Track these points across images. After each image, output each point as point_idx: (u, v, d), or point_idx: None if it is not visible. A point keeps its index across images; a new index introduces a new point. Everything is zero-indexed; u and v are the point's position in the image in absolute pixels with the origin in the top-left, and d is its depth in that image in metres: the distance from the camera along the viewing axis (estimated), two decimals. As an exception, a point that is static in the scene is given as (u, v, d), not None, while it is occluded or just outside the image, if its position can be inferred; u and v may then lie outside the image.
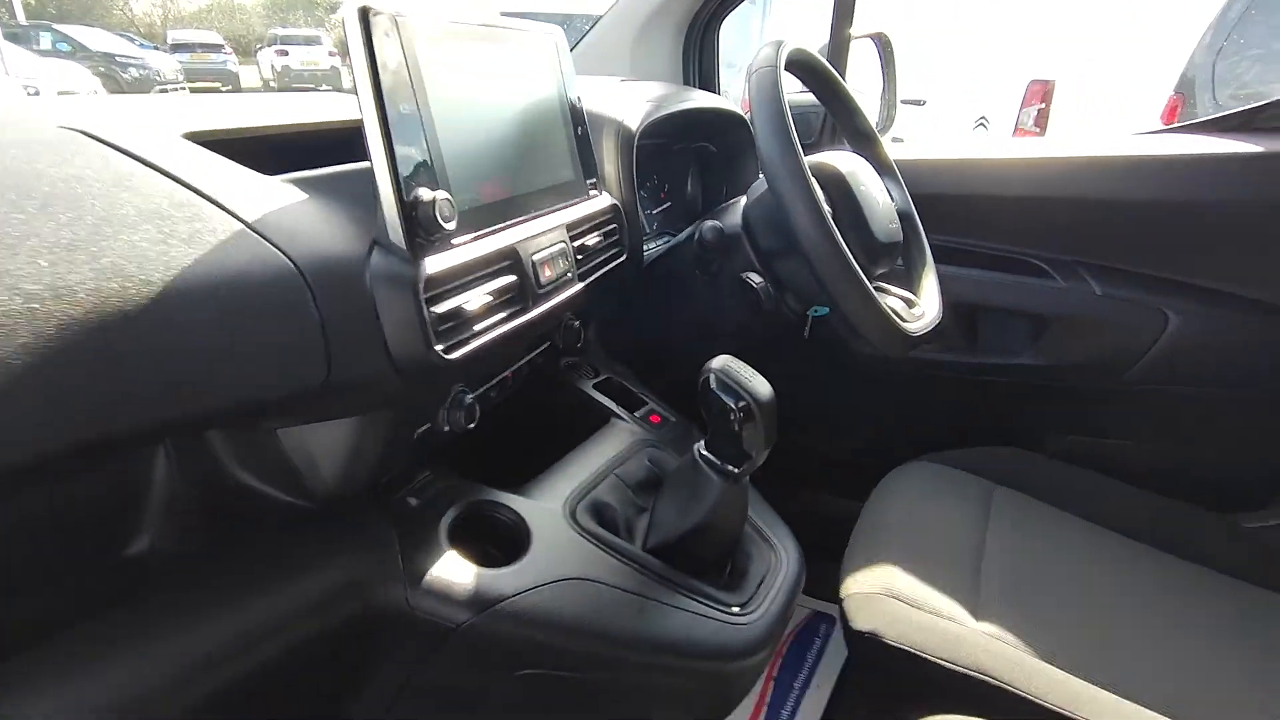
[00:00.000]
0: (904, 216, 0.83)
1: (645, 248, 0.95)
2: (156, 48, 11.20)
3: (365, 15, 0.45)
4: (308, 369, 0.42)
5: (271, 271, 0.42)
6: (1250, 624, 0.72)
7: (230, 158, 0.49)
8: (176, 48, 11.45)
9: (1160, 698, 0.61)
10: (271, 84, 11.96)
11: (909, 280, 0.82)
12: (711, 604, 0.59)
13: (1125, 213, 0.96)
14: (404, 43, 0.48)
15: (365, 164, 0.46)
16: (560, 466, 0.66)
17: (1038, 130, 3.40)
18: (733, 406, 0.54)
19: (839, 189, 0.74)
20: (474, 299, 0.50)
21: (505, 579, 0.53)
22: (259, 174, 0.48)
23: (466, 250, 0.50)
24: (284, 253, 0.43)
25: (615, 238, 0.73)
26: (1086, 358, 1.01)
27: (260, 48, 13.02)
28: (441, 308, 0.47)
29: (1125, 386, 1.01)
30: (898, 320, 0.68)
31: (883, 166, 0.85)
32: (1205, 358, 0.96)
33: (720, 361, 0.56)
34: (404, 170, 0.46)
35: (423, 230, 0.46)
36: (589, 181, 0.70)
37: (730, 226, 0.79)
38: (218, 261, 0.40)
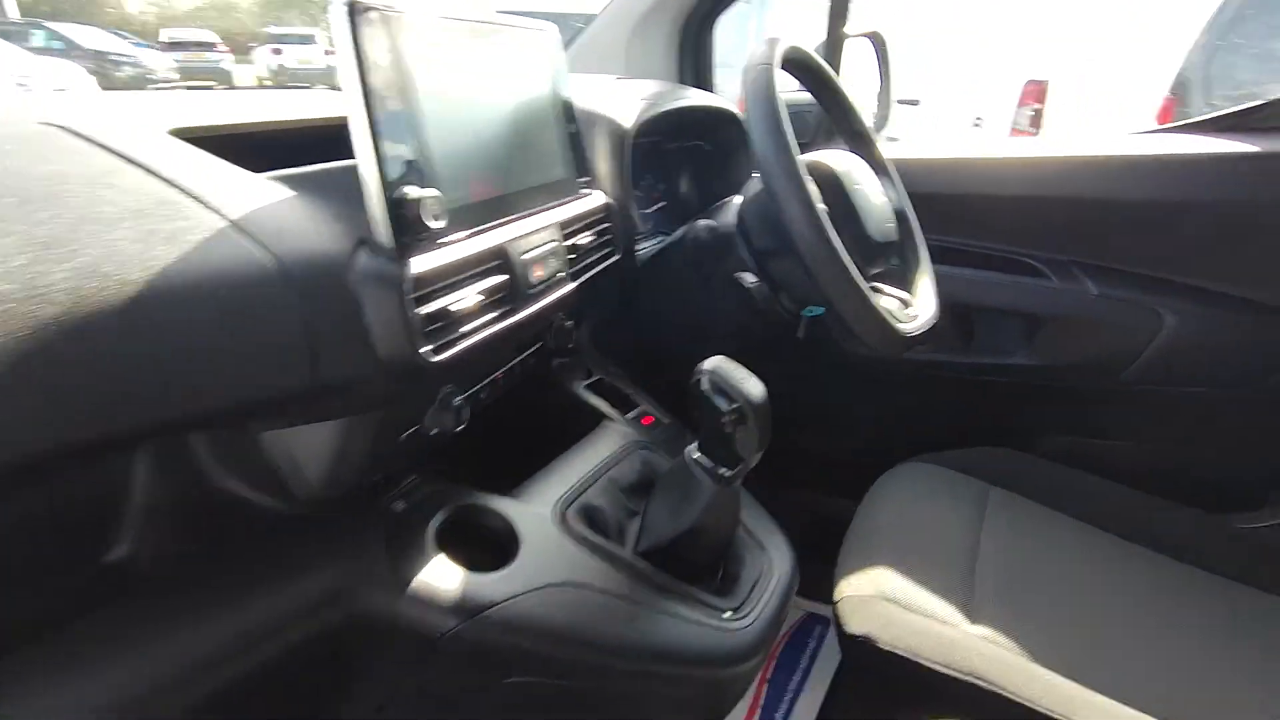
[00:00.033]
0: (900, 216, 0.82)
1: (639, 247, 0.94)
2: (150, 46, 11.15)
3: (352, 10, 0.44)
4: (291, 370, 0.41)
5: (255, 270, 0.41)
6: (1245, 625, 0.71)
7: (217, 155, 0.48)
8: (170, 46, 11.39)
9: (1156, 701, 0.61)
10: (267, 83, 11.90)
11: (905, 280, 0.81)
12: (703, 609, 0.58)
13: (1121, 212, 0.96)
14: (392, 38, 0.47)
15: (354, 161, 0.45)
16: (551, 469, 0.65)
17: (1033, 131, 3.40)
18: (725, 409, 0.53)
19: (834, 188, 0.73)
20: (462, 299, 0.49)
21: (493, 585, 0.52)
22: (245, 171, 0.48)
23: (455, 249, 0.50)
24: (268, 251, 0.42)
25: (608, 237, 0.72)
26: (1082, 358, 1.01)
27: (255, 46, 12.96)
28: (429, 308, 0.46)
29: (1121, 387, 1.00)
30: (893, 321, 0.68)
31: (878, 166, 0.85)
32: (1201, 358, 0.96)
33: (713, 363, 0.55)
34: (391, 168, 0.46)
35: (410, 229, 0.46)
36: (581, 180, 0.70)
37: (724, 225, 0.79)
38: (199, 260, 0.39)
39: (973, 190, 1.04)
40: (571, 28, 1.34)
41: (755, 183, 0.78)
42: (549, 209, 0.63)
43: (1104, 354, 0.99)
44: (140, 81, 9.47)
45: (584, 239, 0.67)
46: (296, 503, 0.50)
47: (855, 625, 0.68)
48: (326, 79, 11.70)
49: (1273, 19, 1.99)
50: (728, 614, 0.59)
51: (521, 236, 0.57)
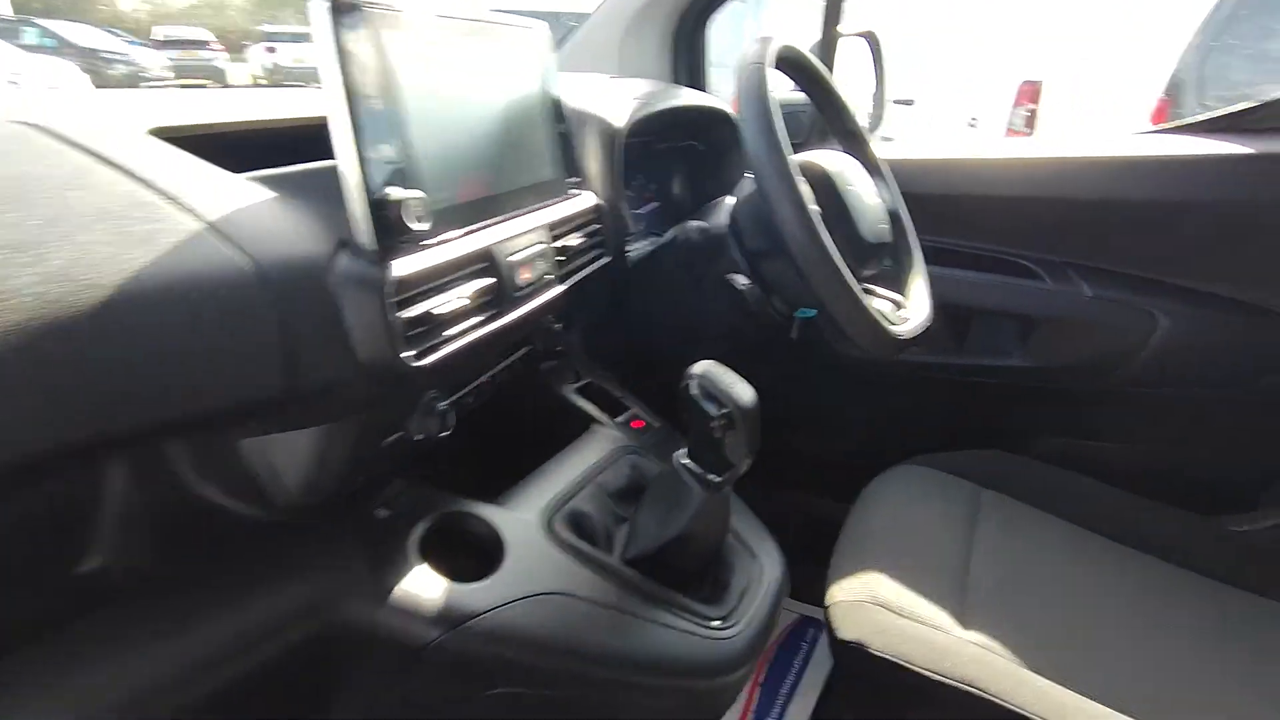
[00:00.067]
0: (893, 217, 0.82)
1: (631, 248, 0.94)
2: (143, 44, 11.08)
3: (333, 5, 0.43)
4: (268, 375, 0.41)
5: (230, 273, 0.40)
6: (1236, 628, 0.71)
7: (197, 154, 0.47)
8: (163, 44, 11.32)
9: (1147, 706, 0.61)
10: (261, 81, 11.85)
11: (898, 282, 0.81)
12: (691, 618, 0.57)
13: (1114, 213, 0.96)
14: (374, 36, 0.46)
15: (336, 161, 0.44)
16: (538, 475, 0.64)
17: (1028, 131, 3.41)
18: (714, 414, 0.52)
19: (827, 189, 0.73)
20: (447, 302, 0.48)
21: (477, 594, 0.51)
22: (225, 172, 0.47)
23: (440, 251, 0.49)
24: (245, 253, 0.41)
25: (598, 238, 0.71)
26: (1076, 359, 1.00)
27: (249, 45, 12.90)
28: (411, 312, 0.45)
29: (1114, 388, 1.00)
30: (885, 323, 0.67)
31: (872, 166, 0.84)
32: (1194, 359, 0.96)
33: (702, 367, 0.54)
34: (374, 168, 0.45)
35: (392, 231, 0.45)
36: (571, 180, 0.69)
37: (716, 227, 0.78)
38: (173, 263, 0.38)
39: (967, 191, 1.04)
40: (565, 26, 1.34)
41: (748, 183, 0.77)
42: (537, 210, 0.62)
43: (1098, 355, 0.99)
44: (133, 79, 9.41)
45: (573, 240, 0.66)
46: (276, 510, 0.49)
47: (847, 631, 0.68)
48: (322, 77, 11.59)
49: (1267, 20, 1.99)
50: (716, 623, 0.58)
51: (509, 238, 0.56)
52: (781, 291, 0.76)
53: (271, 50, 11.87)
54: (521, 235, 0.58)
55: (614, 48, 1.21)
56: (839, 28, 1.17)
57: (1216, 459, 1.00)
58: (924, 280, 0.81)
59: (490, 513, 0.57)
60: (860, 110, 1.31)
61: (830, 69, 1.15)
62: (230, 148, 0.50)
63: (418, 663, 0.48)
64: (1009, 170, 1.01)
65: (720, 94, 1.21)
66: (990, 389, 1.07)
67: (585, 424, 0.74)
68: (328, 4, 0.43)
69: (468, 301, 0.50)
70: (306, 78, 11.68)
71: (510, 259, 0.55)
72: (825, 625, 0.70)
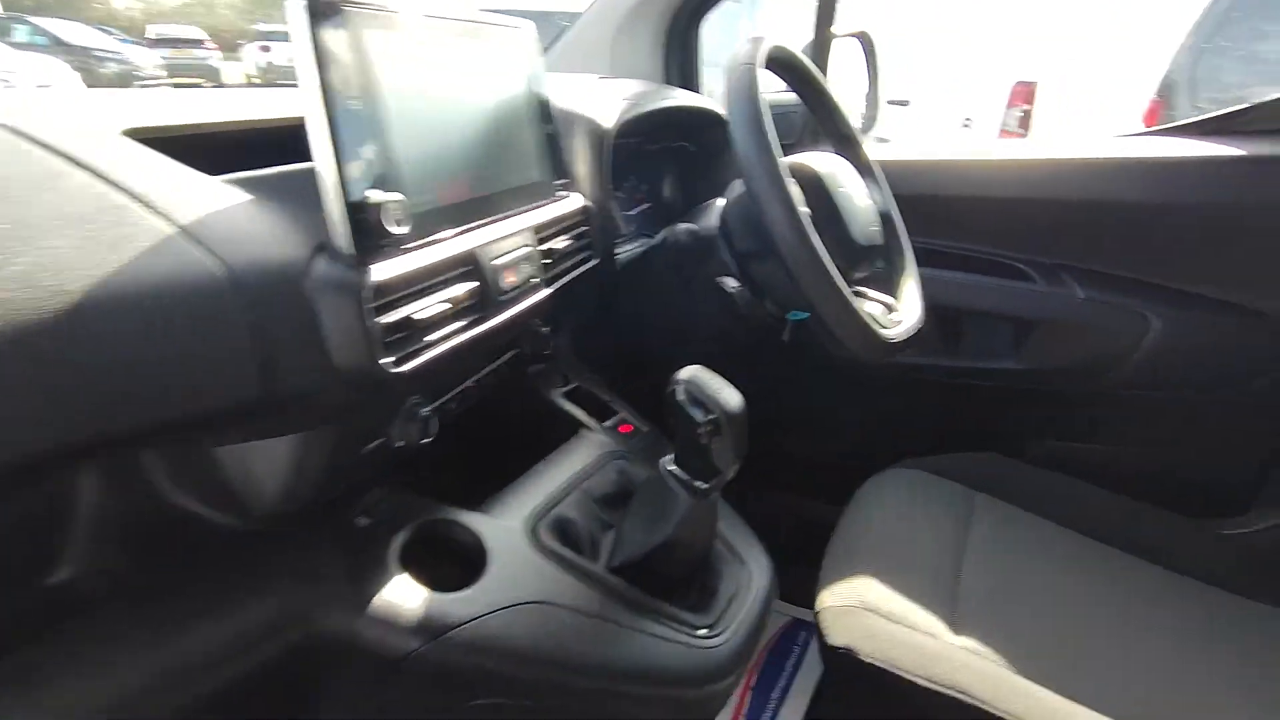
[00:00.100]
0: (885, 219, 0.81)
1: (622, 250, 0.93)
2: (137, 42, 11.02)
3: (310, 5, 0.42)
4: (240, 382, 0.40)
5: (203, 278, 0.39)
6: (1228, 632, 0.71)
7: (173, 156, 0.46)
8: (157, 42, 11.27)
9: (1139, 711, 0.61)
10: (256, 80, 11.79)
11: (890, 284, 0.80)
12: (677, 626, 0.57)
13: (1107, 215, 0.96)
14: (354, 35, 0.45)
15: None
16: (523, 481, 0.63)
17: (1022, 132, 3.41)
18: (700, 420, 0.52)
19: (817, 190, 0.72)
20: (428, 307, 0.47)
21: (459, 604, 0.50)
22: (200, 174, 0.46)
23: (421, 255, 0.48)
24: (218, 258, 0.40)
25: (586, 241, 0.71)
26: (1069, 362, 1.00)
27: (243, 43, 12.83)
28: (390, 317, 0.44)
29: (1107, 391, 1.00)
30: (876, 326, 0.67)
31: (864, 167, 0.84)
32: (1186, 361, 0.96)
33: (689, 372, 0.54)
34: (352, 170, 0.44)
35: (371, 234, 0.44)
36: (559, 182, 0.68)
37: (705, 229, 0.77)
38: (143, 268, 0.37)
39: (959, 192, 1.03)
40: (557, 26, 1.33)
41: (738, 185, 0.76)
42: (523, 212, 0.61)
43: (1090, 358, 0.99)
44: (126, 78, 9.35)
45: (560, 243, 0.65)
46: (253, 519, 0.48)
47: (836, 636, 0.67)
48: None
49: (1258, 22, 2.00)
50: (702, 631, 0.58)
51: (493, 241, 0.55)
52: (772, 294, 0.76)
53: (266, 49, 11.81)
54: (506, 238, 0.57)
55: (606, 47, 1.20)
56: (832, 28, 1.17)
57: (1208, 461, 1.00)
58: (916, 282, 0.80)
59: (473, 520, 0.56)
60: (854, 111, 1.31)
61: (824, 70, 1.14)
62: (208, 149, 0.49)
63: (397, 674, 0.47)
64: (1001, 172, 1.01)
65: (713, 94, 1.20)
66: (983, 391, 1.07)
67: (573, 429, 0.73)
68: (304, 3, 0.42)
69: (449, 306, 0.49)
70: (301, 76, 11.60)
71: (494, 262, 0.55)
72: (815, 630, 0.69)
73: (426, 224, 0.50)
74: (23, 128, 0.42)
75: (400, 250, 0.46)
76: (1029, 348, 1.01)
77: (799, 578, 0.77)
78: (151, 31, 11.86)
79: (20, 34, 8.93)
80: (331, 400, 0.44)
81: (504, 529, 0.57)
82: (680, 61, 1.24)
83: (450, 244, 0.51)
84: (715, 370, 0.56)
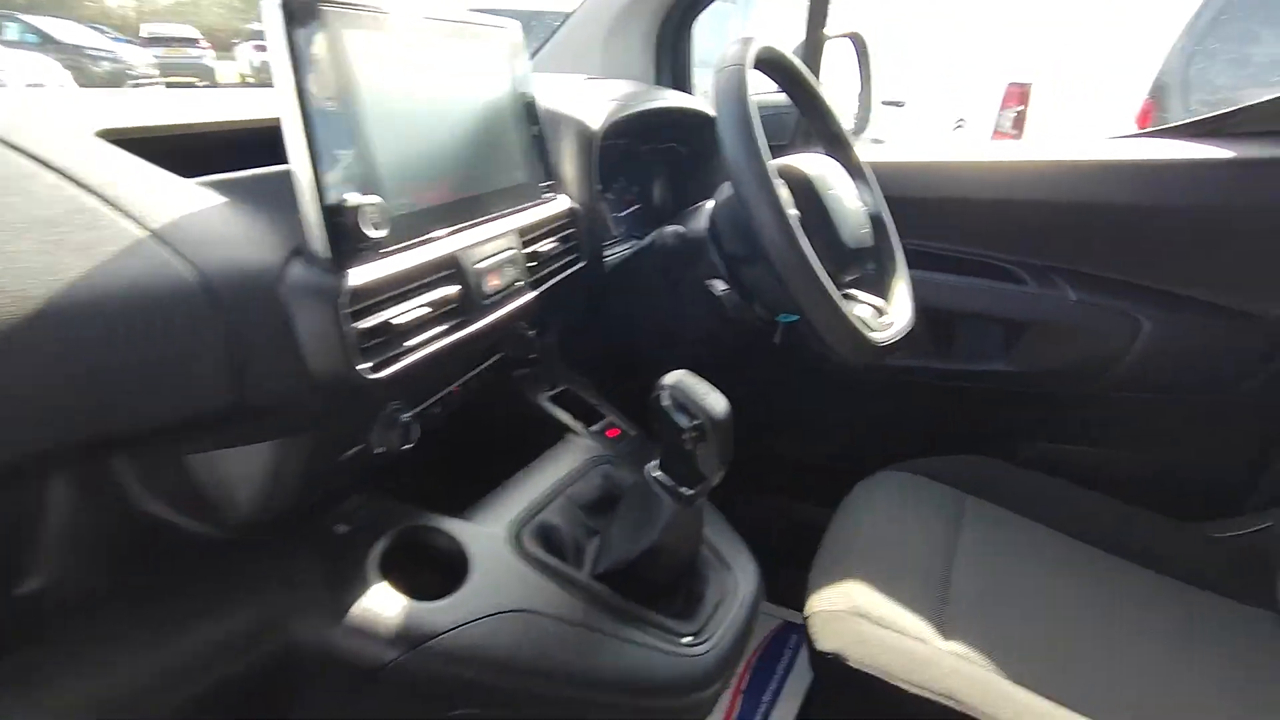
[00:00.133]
0: (876, 221, 0.81)
1: (612, 252, 0.92)
2: (130, 41, 10.96)
3: (285, 4, 0.42)
4: (211, 390, 0.39)
5: (173, 283, 0.38)
6: (1218, 635, 0.71)
7: (147, 158, 0.45)
8: (150, 41, 11.20)
9: (1129, 715, 0.61)
10: (250, 80, 11.74)
11: (880, 286, 0.80)
12: (661, 635, 0.56)
13: (1099, 217, 0.96)
14: (331, 34, 0.45)
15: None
16: (507, 487, 0.62)
17: (1016, 133, 3.42)
18: (685, 426, 0.51)
19: (807, 193, 0.72)
20: (407, 312, 0.47)
21: (439, 613, 0.49)
22: (175, 176, 0.45)
23: (400, 259, 0.47)
24: (190, 262, 0.39)
25: (573, 243, 0.70)
26: (1060, 364, 1.00)
27: (238, 43, 12.78)
28: (368, 322, 0.44)
29: (1099, 393, 1.00)
30: (865, 330, 0.66)
31: (854, 169, 0.83)
32: (1177, 363, 0.96)
33: (674, 377, 0.53)
34: (330, 173, 0.43)
35: (348, 238, 0.43)
36: (544, 184, 0.67)
37: (694, 231, 0.76)
38: (111, 273, 0.36)
39: (952, 194, 1.03)
40: (548, 26, 1.32)
41: (727, 187, 0.76)
42: (507, 215, 0.60)
43: (1081, 360, 0.99)
44: (119, 77, 9.29)
45: (546, 246, 0.64)
46: (229, 527, 0.48)
47: (825, 642, 0.67)
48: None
49: (1249, 25, 2.00)
50: (687, 639, 0.57)
51: (475, 244, 0.54)
52: (761, 297, 0.75)
53: (261, 48, 11.72)
54: (490, 241, 0.56)
55: (597, 47, 1.19)
56: (824, 29, 1.16)
57: (1198, 463, 1.00)
58: (906, 285, 0.80)
59: (455, 527, 0.55)
60: (848, 112, 1.31)
61: (816, 71, 1.14)
62: (184, 151, 0.48)
63: (374, 684, 0.47)
64: (993, 174, 1.01)
65: (706, 95, 1.20)
66: (974, 394, 1.06)
67: (559, 433, 0.72)
68: (279, 3, 0.41)
69: (429, 310, 0.48)
70: (296, 76, 11.54)
71: (477, 266, 0.54)
72: (805, 635, 0.69)
73: (406, 227, 0.49)
74: None
75: (378, 254, 0.46)
76: (1020, 350, 1.01)
77: (791, 580, 0.76)
78: (145, 30, 11.79)
79: (11, 31, 8.86)
80: (307, 407, 0.43)
81: (487, 536, 0.56)
82: (672, 62, 1.23)
83: (431, 247, 0.50)
84: (705, 373, 0.55)
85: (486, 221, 0.57)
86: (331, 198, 0.43)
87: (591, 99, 0.82)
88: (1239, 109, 0.94)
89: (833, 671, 0.66)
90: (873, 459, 0.92)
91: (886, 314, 0.75)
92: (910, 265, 0.82)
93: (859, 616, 0.68)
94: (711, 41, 1.37)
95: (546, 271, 0.65)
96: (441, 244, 0.51)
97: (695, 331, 0.80)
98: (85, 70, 8.71)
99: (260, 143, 0.51)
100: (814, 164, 0.75)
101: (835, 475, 0.92)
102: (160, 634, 0.44)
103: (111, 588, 0.45)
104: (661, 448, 0.56)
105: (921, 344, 1.05)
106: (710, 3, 1.21)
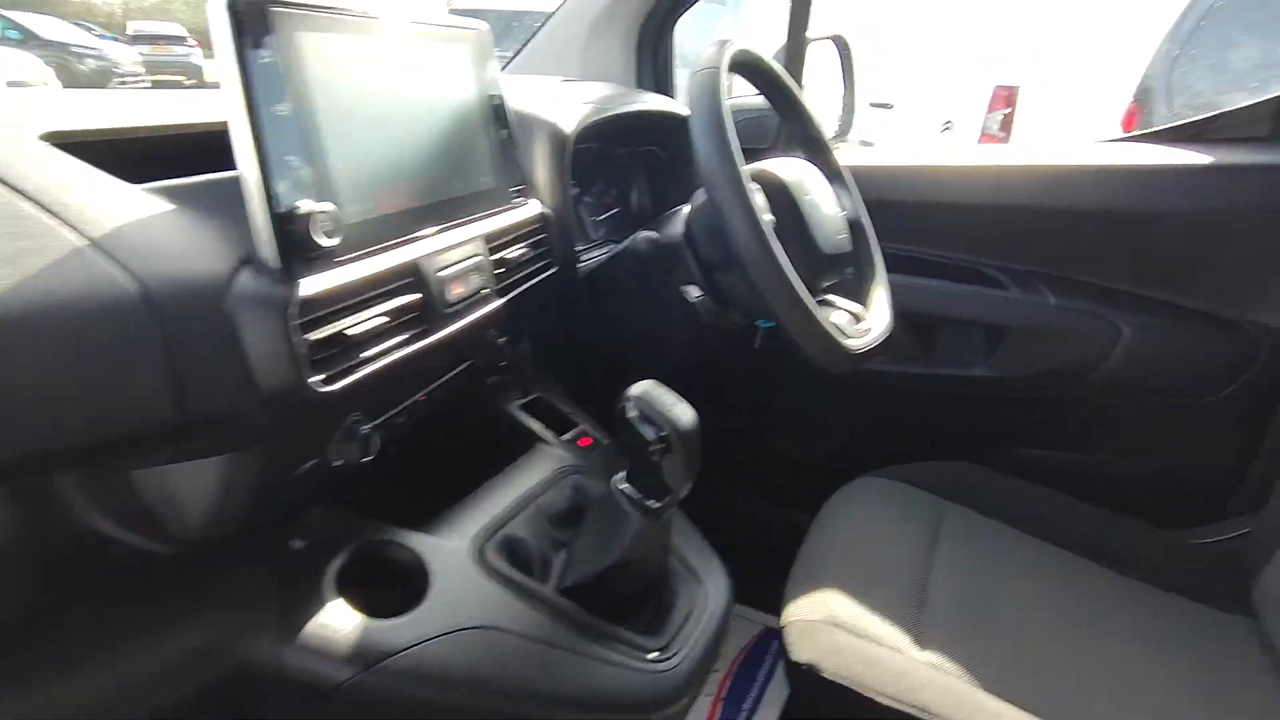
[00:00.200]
0: (854, 226, 0.80)
1: (589, 256, 0.91)
2: (115, 38, 10.82)
3: (233, 2, 0.40)
4: (152, 404, 0.37)
5: (112, 295, 0.37)
6: (1194, 640, 0.71)
7: (94, 163, 0.43)
8: (137, 39, 11.07)
9: None
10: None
11: (859, 292, 0.79)
12: (626, 650, 0.55)
13: (1080, 222, 0.95)
14: (283, 37, 0.43)
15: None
16: (472, 499, 0.61)
17: (1003, 135, 3.43)
18: (651, 438, 0.50)
19: (783, 198, 0.71)
20: (363, 322, 0.45)
21: (397, 630, 0.48)
22: (121, 182, 0.43)
23: (356, 268, 0.46)
24: (131, 273, 0.38)
25: (545, 249, 0.69)
26: (1040, 370, 1.00)
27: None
28: (320, 333, 0.42)
29: (1079, 399, 1.00)
30: (840, 337, 0.66)
31: (833, 173, 0.82)
32: (1157, 369, 0.96)
33: (640, 388, 0.52)
34: (281, 179, 0.42)
35: (299, 247, 0.42)
36: (514, 189, 0.66)
37: (667, 237, 0.75)
38: (47, 285, 0.35)
39: (933, 198, 1.02)
40: (529, 27, 1.31)
41: (703, 192, 0.75)
42: (473, 221, 0.59)
43: (1062, 366, 0.98)
44: (105, 75, 9.17)
45: (515, 252, 0.63)
46: (178, 545, 0.46)
47: (800, 652, 0.66)
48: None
49: (1229, 31, 2.02)
50: (653, 654, 0.56)
51: (438, 251, 0.53)
52: (737, 303, 0.74)
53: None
54: (454, 248, 0.55)
55: (578, 48, 1.18)
56: (807, 32, 1.15)
57: (1178, 469, 1.00)
58: (885, 290, 0.79)
59: (417, 541, 0.54)
60: (832, 115, 1.30)
61: (799, 74, 1.13)
62: (134, 155, 0.47)
63: (328, 704, 0.45)
64: (975, 178, 1.01)
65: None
66: (955, 399, 1.06)
67: (530, 442, 0.71)
68: (225, 3, 0.40)
69: (387, 320, 0.47)
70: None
71: (440, 273, 0.53)
72: (780, 645, 0.68)
73: (365, 234, 0.48)
74: None
75: (333, 262, 0.44)
76: (1000, 355, 1.01)
77: (773, 586, 0.75)
78: (131, 27, 11.65)
79: (-7, 28, 8.74)
80: (256, 421, 0.42)
81: (449, 550, 0.55)
82: (653, 63, 1.22)
83: (390, 255, 0.49)
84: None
85: (450, 228, 0.56)
86: (282, 205, 0.42)
87: (565, 102, 0.81)
88: (1219, 114, 0.95)
89: (807, 682, 0.65)
90: (854, 463, 0.92)
91: (864, 320, 0.75)
92: (891, 269, 0.81)
93: (834, 626, 0.68)
94: (699, 42, 1.35)
95: (515, 278, 0.63)
96: (401, 251, 0.50)
97: (671, 338, 0.80)
98: (70, 68, 8.59)
99: (215, 147, 0.49)
100: (791, 169, 0.74)
101: (818, 481, 0.92)
102: (104, 656, 0.42)
103: (54, 608, 0.43)
104: (628, 460, 0.55)
105: (902, 349, 1.04)
106: (692, 4, 1.20)
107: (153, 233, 0.41)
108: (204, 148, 0.50)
